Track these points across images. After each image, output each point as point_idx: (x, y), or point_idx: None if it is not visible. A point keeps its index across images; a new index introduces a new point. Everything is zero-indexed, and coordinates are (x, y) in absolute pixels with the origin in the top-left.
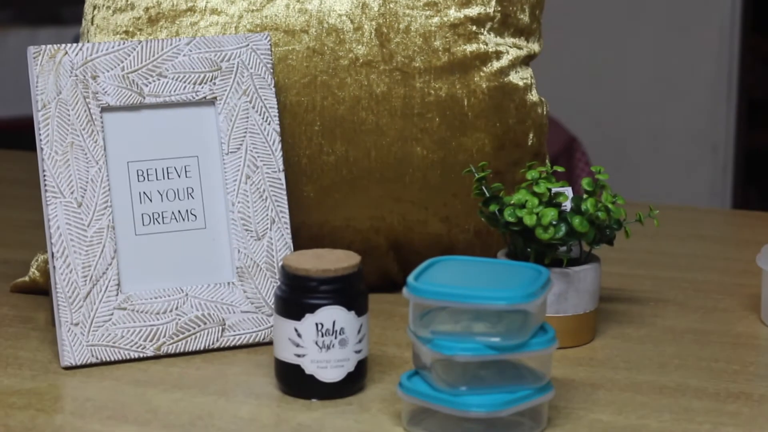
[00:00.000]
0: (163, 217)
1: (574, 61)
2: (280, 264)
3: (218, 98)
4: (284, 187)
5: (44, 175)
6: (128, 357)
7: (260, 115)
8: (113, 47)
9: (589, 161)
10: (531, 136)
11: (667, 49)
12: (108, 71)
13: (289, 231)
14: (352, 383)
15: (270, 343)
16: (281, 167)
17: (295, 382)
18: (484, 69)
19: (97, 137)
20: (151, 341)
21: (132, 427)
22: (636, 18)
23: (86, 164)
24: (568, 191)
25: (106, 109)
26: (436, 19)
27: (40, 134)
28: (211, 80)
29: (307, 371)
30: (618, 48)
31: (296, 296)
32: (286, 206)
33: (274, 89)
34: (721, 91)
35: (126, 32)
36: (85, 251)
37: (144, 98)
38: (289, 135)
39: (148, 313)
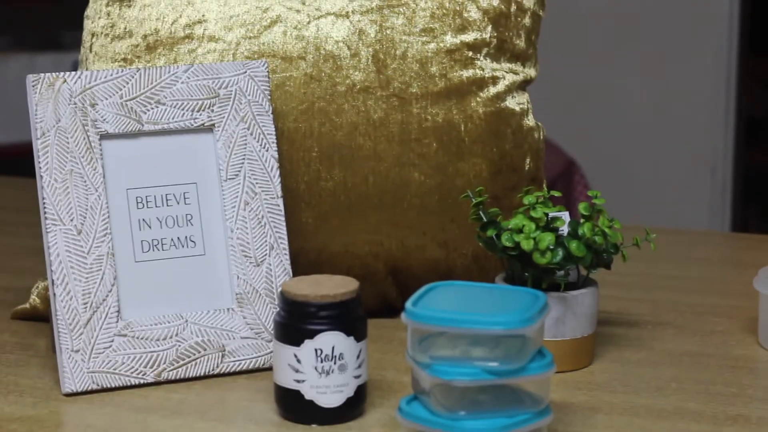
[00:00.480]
0: (162, 244)
1: (572, 84)
2: (279, 290)
3: (216, 125)
4: (283, 213)
5: (44, 203)
6: (129, 383)
7: (258, 141)
8: (111, 75)
9: (587, 184)
10: (528, 161)
11: (665, 72)
12: (106, 99)
13: (287, 257)
14: (352, 408)
15: (270, 368)
16: (280, 193)
17: (294, 407)
18: (481, 94)
19: (96, 165)
20: (151, 368)
21: None
22: (633, 40)
23: (85, 191)
24: (565, 216)
25: (105, 136)
26: (432, 45)
27: (39, 162)
28: (209, 107)
29: (307, 396)
30: (615, 71)
31: (295, 322)
32: (285, 232)
33: (272, 116)
34: (719, 113)
35: (124, 59)
36: (85, 278)
37: (143, 126)
38: (287, 161)
39: (148, 339)
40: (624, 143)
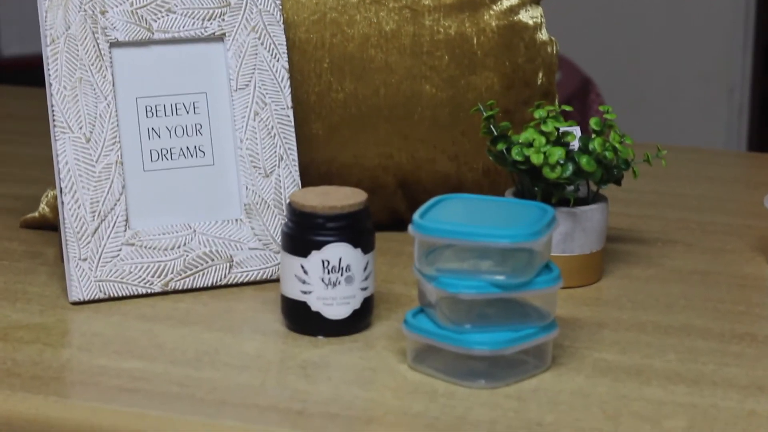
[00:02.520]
0: (171, 154)
1: (590, 2)
2: (287, 201)
3: (227, 35)
4: (293, 124)
5: (53, 111)
6: (136, 293)
7: (269, 51)
8: None
9: (603, 102)
10: (540, 75)
11: None
12: (117, 7)
13: (297, 168)
14: (358, 320)
15: (277, 280)
16: (290, 104)
17: (301, 318)
18: (494, 7)
19: (105, 73)
20: (158, 277)
21: (138, 362)
22: None
23: (95, 100)
24: (576, 130)
25: (114, 44)
26: None
27: (48, 70)
28: (219, 16)
29: (314, 308)
30: None
31: (303, 233)
32: (295, 143)
33: (283, 26)
34: (738, 34)
35: None
36: (94, 187)
37: (153, 34)
38: (298, 72)
39: (156, 249)
40: (641, 62)
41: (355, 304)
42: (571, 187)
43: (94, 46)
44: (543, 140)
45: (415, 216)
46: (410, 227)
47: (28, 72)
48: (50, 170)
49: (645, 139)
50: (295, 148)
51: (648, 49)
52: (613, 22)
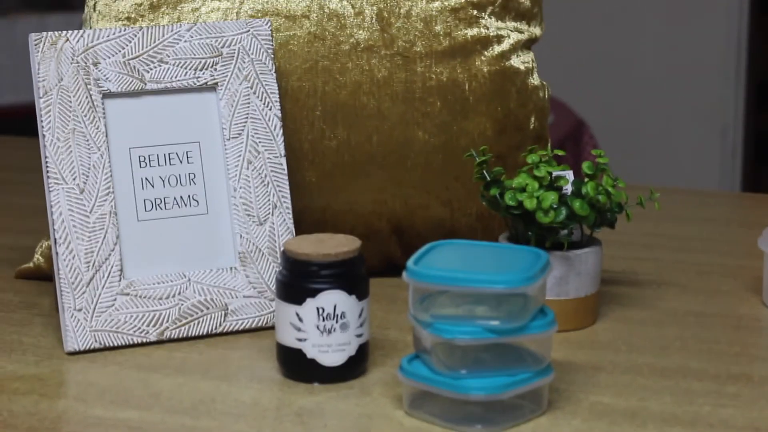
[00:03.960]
0: (165, 203)
1: (583, 44)
2: (281, 249)
3: (219, 84)
4: (286, 172)
5: (46, 162)
6: (131, 342)
7: (261, 100)
8: (114, 33)
9: (597, 145)
10: (532, 119)
11: (676, 32)
12: (109, 58)
13: (290, 216)
14: (354, 367)
15: (272, 327)
16: (283, 152)
17: (296, 366)
18: (486, 53)
19: (98, 123)
20: (154, 326)
21: (135, 412)
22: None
23: (88, 150)
24: (569, 175)
25: (107, 95)
26: (437, 4)
27: (41, 121)
28: (212, 66)
29: (309, 355)
30: (626, 31)
31: (297, 281)
32: (288, 191)
33: (275, 75)
34: (730, 74)
35: (128, 18)
36: (88, 237)
37: (145, 84)
38: (291, 120)
39: (150, 298)
40: (634, 104)
41: (351, 350)
42: (564, 231)
43: (86, 97)
44: (536, 185)
45: (409, 263)
46: (404, 274)
47: (22, 121)
48: (45, 220)
49: (639, 179)
50: (289, 196)
51: (641, 90)
52: (606, 64)
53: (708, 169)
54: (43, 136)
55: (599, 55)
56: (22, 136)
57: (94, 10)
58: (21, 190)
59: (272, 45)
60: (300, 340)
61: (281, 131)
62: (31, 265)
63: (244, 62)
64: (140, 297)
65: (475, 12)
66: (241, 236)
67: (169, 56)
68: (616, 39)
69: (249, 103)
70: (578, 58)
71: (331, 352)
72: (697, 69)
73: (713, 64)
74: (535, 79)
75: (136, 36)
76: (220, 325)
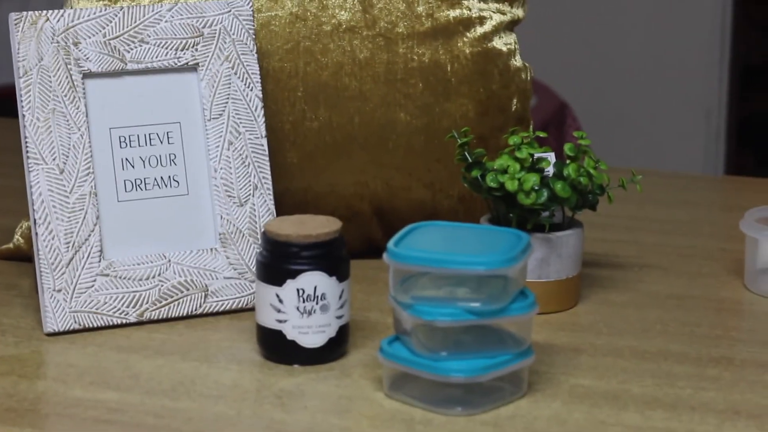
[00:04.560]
0: (145, 184)
1: (566, 26)
2: (262, 230)
3: (200, 64)
4: (267, 153)
5: (26, 142)
6: (111, 323)
7: (242, 81)
8: (95, 13)
9: (580, 127)
10: (515, 101)
11: (661, 15)
12: (90, 38)
13: (272, 197)
14: (334, 349)
15: (253, 309)
16: (264, 133)
17: (276, 347)
18: (468, 34)
19: (78, 104)
20: (133, 307)
21: (114, 393)
22: None
23: (68, 131)
24: (551, 157)
25: (87, 75)
26: None
27: (21, 101)
28: (193, 46)
29: (289, 337)
30: (611, 13)
31: (277, 262)
32: (269, 172)
33: (256, 55)
34: (714, 57)
35: None
36: (68, 218)
37: (126, 65)
38: (272, 101)
39: (130, 279)
40: (618, 87)
41: (331, 332)
42: (546, 213)
43: (67, 77)
44: (517, 167)
45: (390, 244)
46: (385, 255)
47: (3, 102)
48: (25, 201)
49: (623, 163)
50: (270, 177)
51: (625, 74)
52: (589, 46)
53: (692, 152)
54: (23, 116)
55: (583, 37)
56: (6, 116)
57: None
58: (1, 170)
59: (253, 25)
60: (280, 321)
61: (262, 112)
62: (10, 245)
63: (225, 42)
64: (120, 278)
65: None
66: (221, 217)
67: (149, 36)
68: (600, 22)
69: (230, 83)
70: (562, 41)
71: (311, 333)
72: (681, 52)
73: (697, 47)
74: (517, 61)
75: (116, 16)
76: (200, 306)
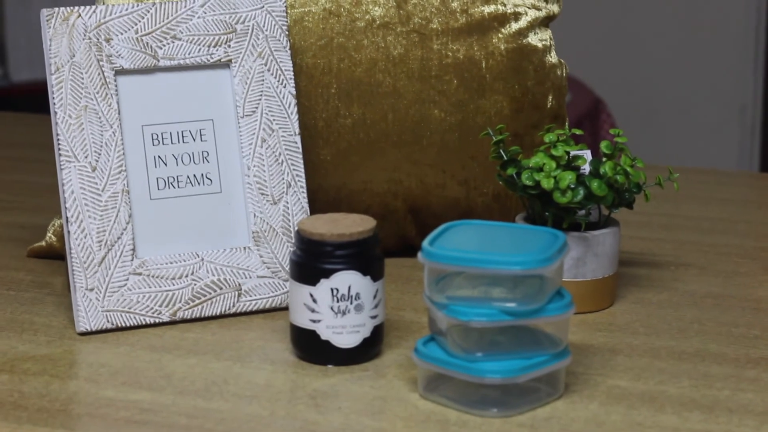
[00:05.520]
0: (178, 182)
1: (600, 22)
2: (295, 228)
3: (233, 61)
4: (300, 150)
5: (58, 139)
6: (143, 322)
7: (276, 77)
8: (127, 9)
9: (614, 123)
10: (550, 98)
11: (695, 9)
12: (122, 34)
13: (305, 195)
14: (368, 349)
15: (286, 308)
16: (297, 130)
17: (310, 347)
18: (503, 31)
19: (111, 101)
20: (166, 306)
21: (146, 393)
22: None
23: (100, 128)
24: (587, 154)
25: (119, 72)
26: None
27: (53, 98)
28: (225, 43)
29: (323, 337)
30: (644, 9)
31: (311, 261)
32: (303, 170)
33: (289, 51)
34: (749, 52)
35: None
36: (100, 216)
37: (158, 61)
38: (306, 98)
39: (163, 278)
40: (652, 83)
41: (365, 332)
42: (582, 212)
43: (99, 74)
44: (553, 164)
45: (425, 243)
46: (420, 255)
47: (38, 97)
48: (56, 199)
49: (655, 159)
50: (303, 175)
51: (659, 69)
52: (623, 42)
53: (726, 148)
54: (55, 113)
55: (616, 33)
56: (39, 112)
57: None
58: (34, 167)
59: (287, 21)
60: (314, 321)
61: (296, 109)
62: (43, 243)
63: (258, 39)
64: (153, 277)
65: None
66: (254, 215)
67: (182, 32)
68: (633, 17)
69: (263, 80)
70: (595, 37)
71: (345, 333)
72: (715, 47)
73: (732, 42)
74: (552, 57)
75: (149, 12)
76: (234, 305)
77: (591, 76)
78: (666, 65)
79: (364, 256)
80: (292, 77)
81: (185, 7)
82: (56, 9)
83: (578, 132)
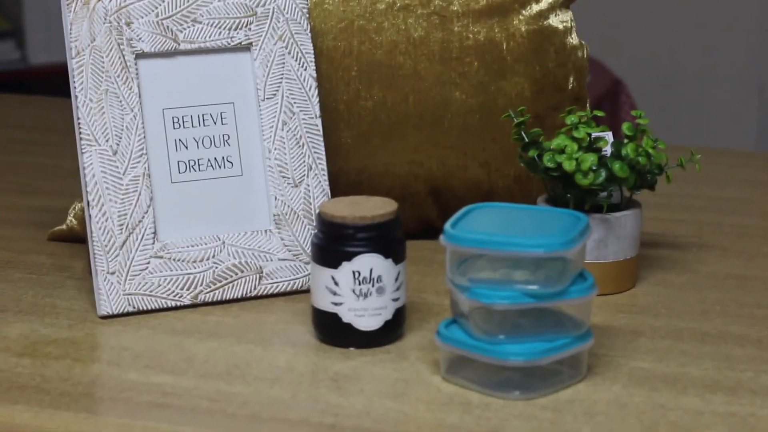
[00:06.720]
0: (199, 165)
1: (619, 2)
2: (316, 211)
3: (254, 44)
4: (321, 133)
5: (79, 123)
6: (165, 306)
7: (296, 60)
8: None
9: (634, 104)
10: (571, 79)
11: None
12: (142, 18)
13: (326, 177)
14: (390, 331)
15: (308, 291)
16: (318, 113)
17: (332, 330)
18: (523, 12)
19: (131, 84)
20: (188, 290)
21: (168, 377)
22: None
23: (121, 112)
24: (609, 136)
25: (140, 55)
26: None
27: (74, 82)
28: (246, 26)
29: (345, 319)
30: None
31: (333, 244)
32: (323, 152)
33: (310, 34)
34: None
35: None
36: (121, 199)
37: (179, 45)
38: (326, 80)
39: (184, 261)
40: (671, 63)
41: (387, 315)
42: (604, 194)
43: (119, 57)
44: (575, 146)
45: (447, 226)
46: (442, 237)
47: (56, 80)
48: (77, 182)
49: (674, 139)
50: (324, 158)
51: (677, 50)
52: (642, 23)
53: (745, 128)
54: (76, 97)
55: (635, 14)
56: (57, 95)
57: None
58: (54, 151)
59: (307, 4)
60: (336, 304)
61: (316, 92)
62: (64, 227)
63: (278, 22)
64: (174, 260)
65: None
66: (276, 198)
67: (202, 16)
68: None
69: (284, 63)
70: (614, 18)
71: (367, 316)
72: (734, 27)
73: (750, 21)
74: (573, 39)
75: None
76: (255, 288)
77: (610, 58)
78: (685, 46)
79: (385, 238)
80: (313, 60)
81: None
82: None
83: (600, 114)
